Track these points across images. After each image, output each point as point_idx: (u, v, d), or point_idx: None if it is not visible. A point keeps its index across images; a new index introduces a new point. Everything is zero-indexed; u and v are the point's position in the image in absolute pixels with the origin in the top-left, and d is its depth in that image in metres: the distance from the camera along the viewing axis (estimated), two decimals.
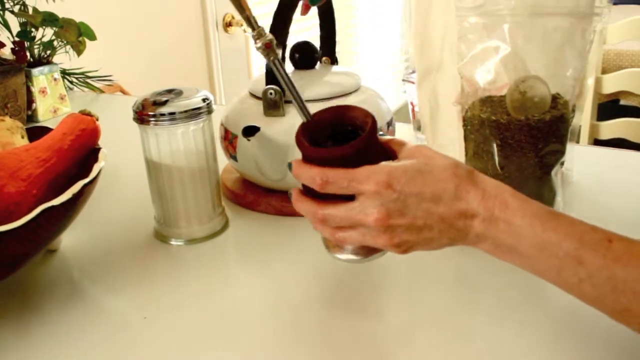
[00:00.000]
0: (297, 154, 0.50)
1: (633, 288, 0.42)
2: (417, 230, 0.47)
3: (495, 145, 0.63)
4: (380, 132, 0.50)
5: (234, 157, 0.74)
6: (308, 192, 0.50)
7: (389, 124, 0.78)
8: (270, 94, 0.70)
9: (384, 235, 0.48)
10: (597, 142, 2.11)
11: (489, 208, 0.46)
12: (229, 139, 0.74)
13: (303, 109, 0.51)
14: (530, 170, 0.64)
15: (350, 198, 0.48)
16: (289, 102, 0.71)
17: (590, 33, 0.62)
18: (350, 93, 0.75)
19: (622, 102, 2.25)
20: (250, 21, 0.49)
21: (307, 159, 0.50)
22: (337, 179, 0.47)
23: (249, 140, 0.66)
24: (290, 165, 0.51)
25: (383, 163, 0.48)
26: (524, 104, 0.61)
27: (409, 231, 0.47)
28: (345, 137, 0.50)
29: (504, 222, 0.46)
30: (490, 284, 0.59)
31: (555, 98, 0.63)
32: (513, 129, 0.62)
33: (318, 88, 0.73)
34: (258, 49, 0.50)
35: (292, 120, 0.70)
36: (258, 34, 0.49)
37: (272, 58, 0.50)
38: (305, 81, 0.74)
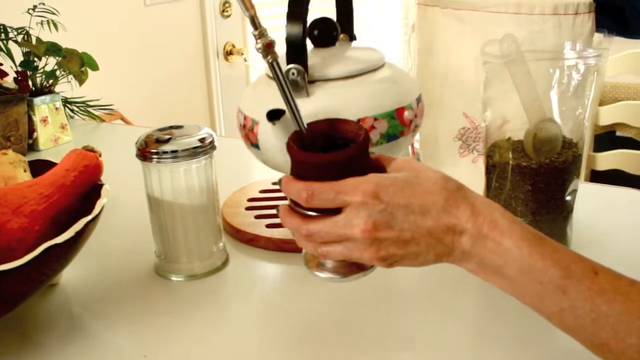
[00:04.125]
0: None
1: (614, 324, 0.41)
2: (404, 243, 0.46)
3: (526, 191, 0.64)
4: (371, 151, 0.51)
5: (255, 145, 0.70)
6: (296, 208, 0.49)
7: (418, 100, 0.72)
8: (292, 74, 0.65)
9: (370, 248, 0.46)
10: (594, 173, 2.12)
11: (478, 225, 0.45)
12: (248, 126, 0.70)
13: (298, 118, 0.51)
14: (558, 212, 0.66)
15: (336, 213, 0.47)
16: (312, 81, 0.67)
17: (593, 73, 0.64)
18: (377, 69, 0.70)
19: (618, 134, 2.26)
20: (254, 20, 0.50)
21: (296, 166, 0.49)
22: (323, 191, 0.46)
23: (274, 124, 0.60)
24: (280, 181, 0.50)
25: (371, 174, 0.47)
26: (542, 147, 0.63)
27: (395, 244, 0.46)
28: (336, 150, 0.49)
29: (492, 241, 0.45)
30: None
31: (563, 137, 0.65)
32: (543, 173, 0.63)
33: (343, 65, 0.69)
34: (258, 49, 0.50)
35: (318, 101, 0.66)
36: (260, 33, 0.50)
37: (271, 60, 0.50)
38: (328, 59, 0.70)
